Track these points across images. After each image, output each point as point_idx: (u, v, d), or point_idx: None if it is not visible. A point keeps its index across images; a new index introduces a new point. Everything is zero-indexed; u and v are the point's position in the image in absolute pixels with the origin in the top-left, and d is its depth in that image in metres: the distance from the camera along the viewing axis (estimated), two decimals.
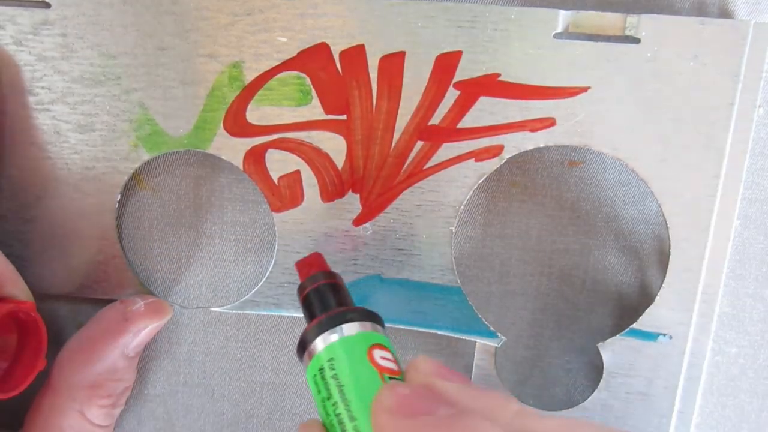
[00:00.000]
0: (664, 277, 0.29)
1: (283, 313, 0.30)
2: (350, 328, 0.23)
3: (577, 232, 0.31)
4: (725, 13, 0.29)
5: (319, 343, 0.23)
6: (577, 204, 0.31)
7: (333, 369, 0.22)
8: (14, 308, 0.27)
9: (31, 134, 0.29)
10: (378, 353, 0.22)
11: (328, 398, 0.22)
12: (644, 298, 0.30)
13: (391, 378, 0.22)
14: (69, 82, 0.28)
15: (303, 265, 0.27)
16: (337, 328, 0.23)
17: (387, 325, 0.30)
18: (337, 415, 0.21)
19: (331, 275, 0.26)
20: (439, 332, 0.30)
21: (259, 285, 0.30)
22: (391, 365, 0.22)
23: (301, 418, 0.33)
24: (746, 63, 0.27)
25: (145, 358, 0.33)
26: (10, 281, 0.28)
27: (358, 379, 0.22)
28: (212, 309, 0.31)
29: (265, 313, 0.30)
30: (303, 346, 0.24)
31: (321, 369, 0.23)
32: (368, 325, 0.23)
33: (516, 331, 0.32)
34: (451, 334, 0.30)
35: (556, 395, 0.32)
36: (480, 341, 0.30)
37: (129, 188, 0.31)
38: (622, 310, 0.31)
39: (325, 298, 0.26)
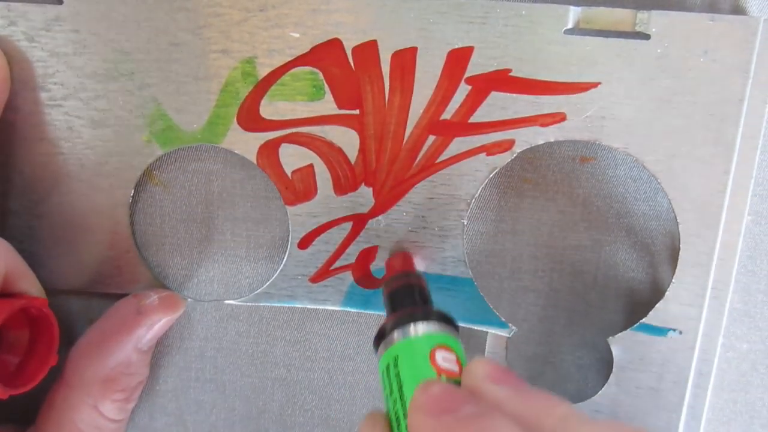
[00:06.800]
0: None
1: (296, 305, 0.30)
2: (417, 328, 0.23)
3: (588, 228, 0.31)
4: (737, 10, 0.29)
5: (389, 341, 0.24)
6: (588, 200, 0.31)
7: (396, 367, 0.23)
8: (26, 304, 0.27)
9: (43, 130, 0.29)
10: (441, 354, 0.22)
11: (390, 394, 0.22)
12: (655, 293, 0.30)
13: (449, 380, 0.22)
14: (82, 77, 0.28)
15: (391, 263, 0.28)
16: (405, 327, 0.23)
17: None
18: (395, 412, 0.22)
19: (415, 277, 0.27)
20: None
21: (274, 277, 0.30)
22: (452, 367, 0.22)
23: (312, 413, 0.33)
24: (756, 59, 0.27)
25: (156, 354, 0.33)
26: (22, 277, 0.28)
27: (416, 379, 0.22)
28: (226, 302, 0.31)
29: (279, 305, 0.31)
30: (378, 341, 0.24)
31: (387, 366, 0.23)
32: (436, 326, 0.23)
33: (527, 326, 0.32)
34: (463, 325, 0.30)
35: (568, 391, 0.32)
36: (492, 332, 0.30)
37: (141, 184, 0.31)
38: (634, 306, 0.31)
39: (401, 297, 0.26)
